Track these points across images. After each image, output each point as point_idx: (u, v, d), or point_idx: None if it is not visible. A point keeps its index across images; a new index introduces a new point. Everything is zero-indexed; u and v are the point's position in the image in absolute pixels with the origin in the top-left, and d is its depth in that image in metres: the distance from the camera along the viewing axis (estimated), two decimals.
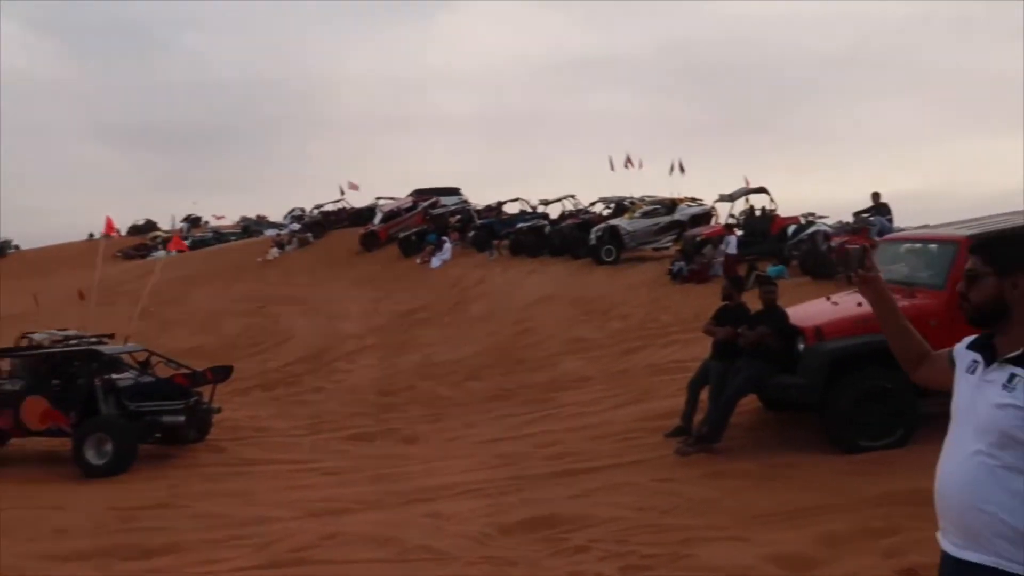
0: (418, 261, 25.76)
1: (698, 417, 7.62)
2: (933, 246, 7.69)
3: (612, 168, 28.91)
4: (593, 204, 26.23)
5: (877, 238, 14.42)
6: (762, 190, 19.73)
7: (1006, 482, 1.99)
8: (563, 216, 26.23)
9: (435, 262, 25.00)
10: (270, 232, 40.94)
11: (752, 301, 8.09)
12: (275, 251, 32.88)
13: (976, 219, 8.15)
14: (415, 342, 16.46)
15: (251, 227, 47.52)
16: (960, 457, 2.10)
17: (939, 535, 2.17)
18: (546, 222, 25.34)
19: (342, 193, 36.22)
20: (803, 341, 7.09)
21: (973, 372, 2.15)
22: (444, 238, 26.15)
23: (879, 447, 6.58)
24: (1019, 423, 1.98)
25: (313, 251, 31.82)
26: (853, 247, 2.78)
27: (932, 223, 10.17)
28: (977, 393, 2.11)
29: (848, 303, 7.67)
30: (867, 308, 7.21)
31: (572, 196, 27.11)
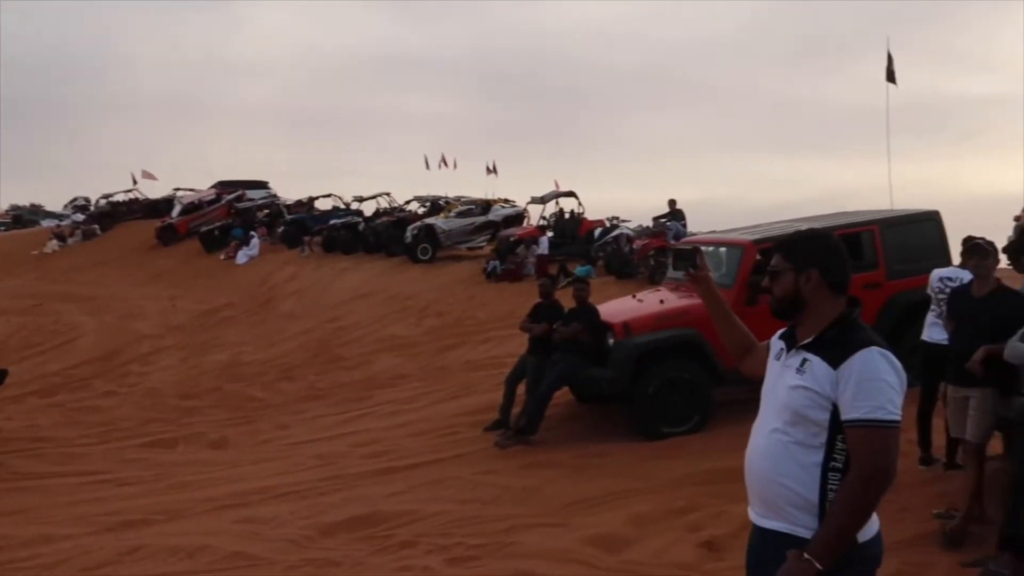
0: (222, 257, 24.39)
1: (515, 411, 7.86)
2: (723, 249, 8.42)
3: (427, 167, 29.10)
4: (408, 203, 26.19)
5: (673, 241, 15.61)
6: (571, 194, 20.67)
7: (798, 457, 2.19)
8: (378, 213, 25.97)
9: (241, 258, 23.79)
10: (48, 223, 37.05)
11: (565, 299, 8.48)
12: (54, 243, 29.75)
13: (758, 225, 9.07)
14: (220, 342, 15.56)
15: (24, 217, 42.73)
16: (762, 435, 2.32)
17: (749, 507, 2.38)
18: (360, 219, 24.95)
19: (135, 182, 33.53)
20: (613, 336, 7.53)
21: (779, 359, 2.35)
22: (251, 233, 24.95)
23: (679, 433, 7.14)
24: (808, 403, 2.17)
25: (101, 245, 29.14)
26: (685, 248, 3.07)
27: (720, 228, 11.21)
28: (779, 377, 2.31)
29: (652, 300, 8.24)
30: (669, 305, 7.89)
31: (387, 194, 26.91)
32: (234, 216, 27.13)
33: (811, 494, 2.17)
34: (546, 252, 17.75)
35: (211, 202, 28.17)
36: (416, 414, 9.18)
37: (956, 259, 6.45)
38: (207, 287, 21.05)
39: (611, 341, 7.52)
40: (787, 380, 2.27)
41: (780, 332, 2.43)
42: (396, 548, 5.04)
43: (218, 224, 26.48)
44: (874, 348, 2.14)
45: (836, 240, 2.39)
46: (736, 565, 4.34)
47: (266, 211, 27.52)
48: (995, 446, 5.00)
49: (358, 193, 27.40)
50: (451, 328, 14.03)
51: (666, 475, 6.05)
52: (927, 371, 5.64)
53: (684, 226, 17.30)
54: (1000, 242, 5.42)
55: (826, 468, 2.17)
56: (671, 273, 8.88)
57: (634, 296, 8.78)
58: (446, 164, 29.04)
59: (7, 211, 45.36)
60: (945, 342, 5.15)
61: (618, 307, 8.40)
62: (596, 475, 6.30)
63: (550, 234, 19.43)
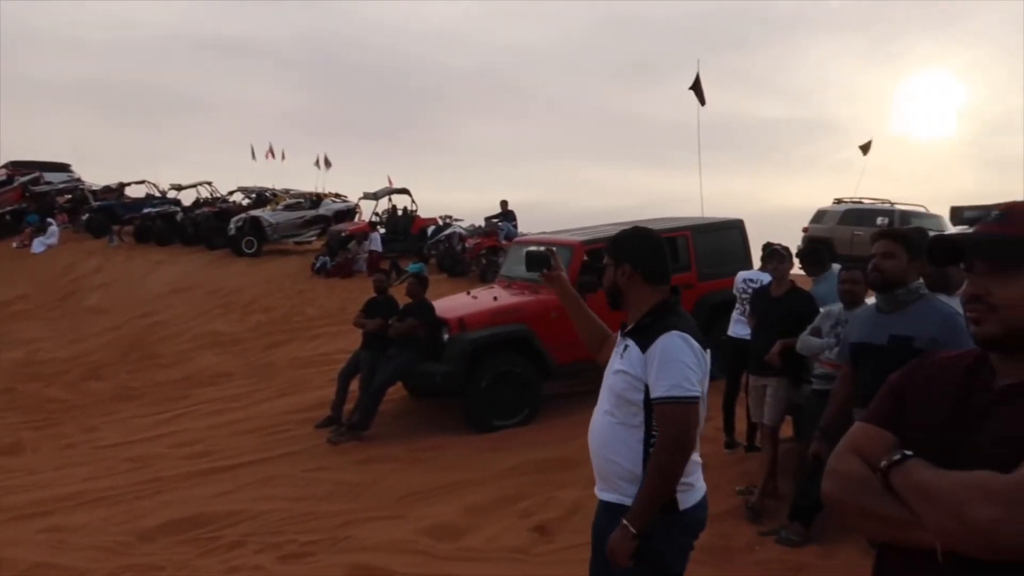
0: (14, 245, 22.09)
1: (348, 407, 7.79)
2: (554, 249, 8.79)
3: (253, 157, 27.87)
4: (232, 193, 24.97)
5: (505, 241, 16.02)
6: (404, 191, 20.60)
7: (623, 435, 2.39)
8: (198, 203, 24.54)
9: (37, 247, 21.65)
10: None
11: (399, 296, 8.50)
12: None
13: (587, 228, 9.56)
14: (12, 338, 14.10)
15: None
16: (597, 416, 2.51)
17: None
18: (178, 208, 23.48)
19: None
20: (448, 332, 7.65)
21: (617, 346, 2.54)
22: (49, 220, 22.76)
23: (510, 425, 7.39)
24: (626, 385, 2.36)
25: None
26: (539, 250, 3.23)
27: (549, 229, 11.66)
28: (611, 362, 2.50)
29: (486, 297, 8.46)
30: (502, 302, 8.13)
31: (208, 183, 25.49)
32: (29, 200, 24.62)
33: (636, 468, 2.37)
34: (379, 248, 17.59)
35: (1, 184, 25.36)
36: (242, 412, 8.82)
37: (757, 263, 7.18)
38: None
39: (446, 336, 7.64)
40: (613, 365, 2.46)
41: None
42: (224, 549, 4.86)
43: (9, 208, 23.96)
44: (674, 332, 2.32)
45: (651, 237, 2.54)
46: (565, 546, 4.62)
47: (68, 196, 25.20)
48: (786, 429, 5.62)
49: (176, 181, 25.74)
50: (278, 324, 13.57)
51: (498, 466, 6.25)
52: (731, 364, 6.23)
53: (515, 226, 17.78)
54: (794, 249, 6.10)
55: (647, 444, 2.36)
56: (508, 271, 9.14)
57: (468, 293, 8.96)
58: (273, 155, 27.96)
59: None
60: (748, 337, 5.71)
61: (453, 303, 8.54)
62: (430, 468, 6.39)
63: (382, 230, 19.28)
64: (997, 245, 1.29)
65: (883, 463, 1.29)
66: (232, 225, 20.15)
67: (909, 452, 1.29)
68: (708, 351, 2.46)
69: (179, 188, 25.58)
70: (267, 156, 27.89)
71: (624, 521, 2.31)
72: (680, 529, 2.40)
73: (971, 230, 1.43)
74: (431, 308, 7.83)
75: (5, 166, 26.64)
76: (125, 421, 9.27)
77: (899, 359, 2.99)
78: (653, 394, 2.30)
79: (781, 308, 5.17)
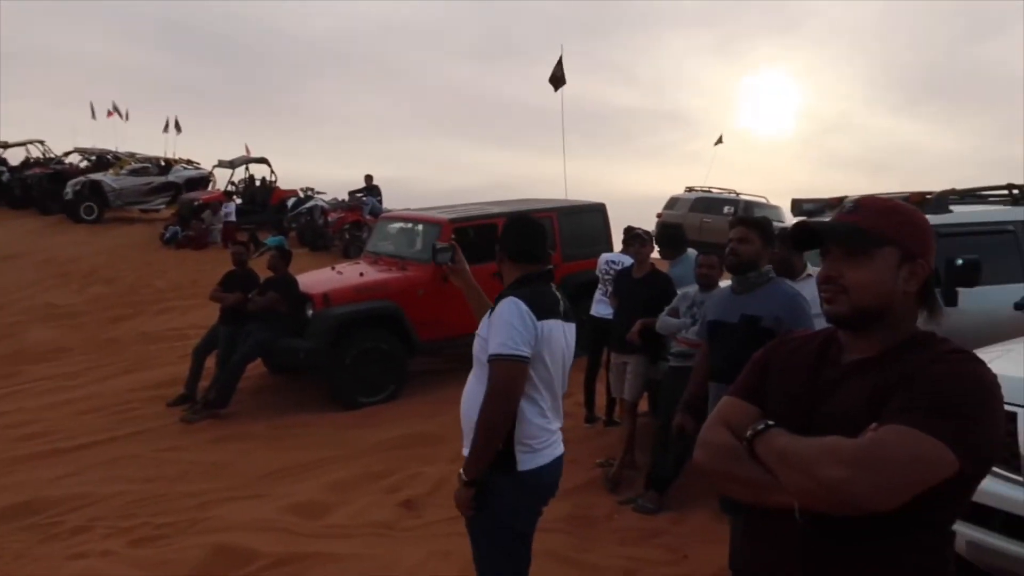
0: None
1: (204, 384, 7.45)
2: (421, 226, 8.76)
3: (94, 116, 25.69)
4: (68, 154, 23.04)
5: (370, 217, 15.75)
6: (263, 160, 19.77)
7: (478, 394, 2.49)
8: (27, 163, 22.44)
9: None
10: None
11: (259, 269, 8.19)
12: None
13: (455, 206, 9.57)
14: None
15: None
16: (469, 380, 2.62)
17: None
18: (4, 169, 21.37)
19: None
20: (312, 307, 7.47)
21: None
22: None
23: (375, 402, 7.33)
24: (480, 348, 2.52)
25: None
26: (443, 245, 3.23)
27: (415, 206, 11.57)
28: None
29: (351, 273, 8.31)
30: (368, 278, 8.02)
31: (41, 142, 23.36)
32: None
33: None
34: (233, 219, 16.83)
35: None
36: (82, 391, 8.22)
37: (617, 246, 7.48)
38: None
39: (310, 312, 7.45)
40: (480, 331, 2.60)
41: None
42: (67, 535, 4.55)
43: None
44: (510, 298, 2.49)
45: (519, 222, 2.72)
46: (431, 521, 4.67)
47: None
48: (643, 404, 5.93)
49: (2, 138, 23.38)
50: (123, 297, 12.70)
51: (363, 442, 6.20)
52: (593, 342, 6.47)
53: (380, 202, 17.51)
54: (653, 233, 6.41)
55: None
56: (374, 247, 9.02)
57: (333, 268, 8.77)
58: (118, 114, 25.94)
59: None
60: (609, 316, 5.95)
61: (317, 278, 8.33)
62: (293, 446, 6.24)
63: (238, 201, 18.44)
64: (850, 233, 1.43)
65: (748, 433, 1.42)
66: (69, 189, 18.64)
67: (771, 422, 1.42)
68: (573, 325, 2.66)
69: (5, 146, 23.27)
70: (109, 115, 25.86)
71: (460, 471, 2.48)
72: (522, 489, 2.52)
73: (828, 219, 1.58)
74: (294, 282, 7.61)
75: None
76: None
77: (749, 336, 3.29)
78: (488, 352, 2.46)
79: (642, 289, 5.42)
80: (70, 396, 8.10)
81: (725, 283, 3.94)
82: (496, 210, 8.88)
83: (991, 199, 6.04)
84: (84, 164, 22.09)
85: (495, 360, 2.42)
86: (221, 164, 19.84)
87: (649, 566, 4.04)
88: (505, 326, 2.43)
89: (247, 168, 19.92)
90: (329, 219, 16.62)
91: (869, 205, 1.46)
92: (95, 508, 4.94)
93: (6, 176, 20.62)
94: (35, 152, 23.15)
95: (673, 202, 19.20)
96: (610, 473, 5.22)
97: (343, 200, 17.86)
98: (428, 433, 6.46)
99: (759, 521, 1.46)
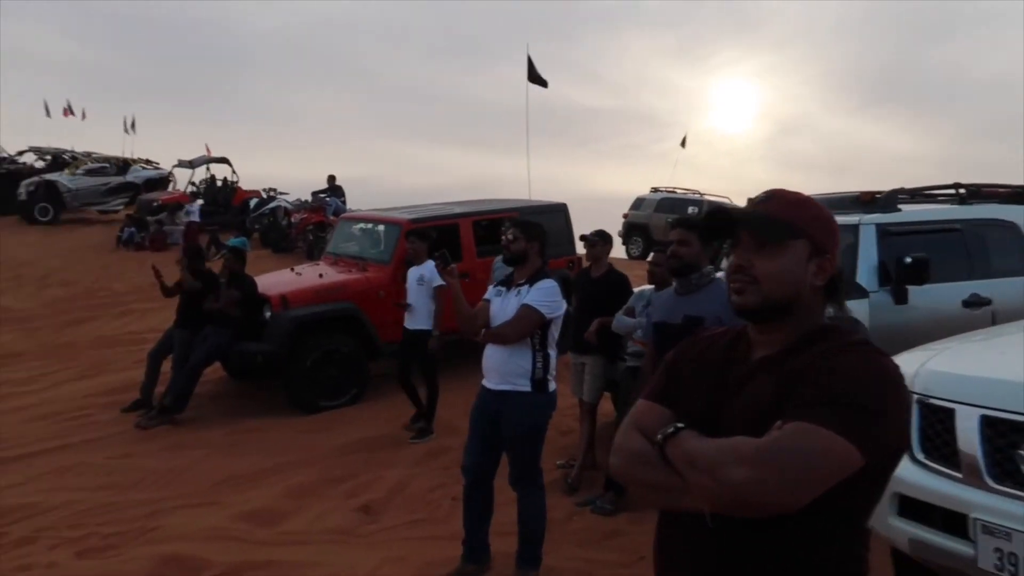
0: None
1: (160, 389, 7.31)
2: (381, 227, 8.69)
3: (48, 115, 25.19)
4: (22, 153, 22.47)
5: (332, 217, 15.61)
6: (224, 160, 19.51)
7: (520, 347, 3.71)
8: None
9: None
10: None
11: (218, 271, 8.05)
12: None
13: (415, 206, 9.51)
14: None
15: None
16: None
17: (484, 379, 3.83)
18: None
19: None
20: (270, 309, 7.36)
21: (500, 295, 3.83)
22: None
23: (336, 406, 7.24)
24: (502, 309, 3.76)
25: None
26: (442, 252, 3.24)
27: (378, 206, 11.47)
28: (503, 304, 3.76)
29: (311, 274, 8.22)
30: (328, 279, 7.93)
31: None
32: None
33: (528, 364, 3.71)
34: (197, 220, 16.59)
35: None
36: (34, 397, 8.01)
37: (579, 246, 7.49)
38: None
39: (268, 314, 7.35)
40: (510, 304, 3.72)
41: (496, 283, 3.96)
42: (11, 546, 4.41)
43: None
44: (551, 280, 3.71)
45: (541, 224, 3.96)
46: (391, 525, 4.63)
47: None
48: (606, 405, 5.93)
49: None
50: (79, 300, 12.43)
51: (322, 447, 6.12)
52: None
53: (343, 202, 17.36)
54: (615, 233, 6.42)
55: (534, 350, 3.70)
56: (335, 248, 8.94)
57: (292, 269, 8.66)
58: (72, 113, 25.39)
59: None
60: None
61: (276, 280, 8.22)
62: (249, 451, 6.13)
63: (200, 201, 18.16)
64: (767, 222, 1.41)
65: (659, 436, 1.38)
66: (23, 189, 18.20)
67: (681, 424, 1.38)
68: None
69: None
70: (65, 114, 25.31)
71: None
72: (550, 402, 3.80)
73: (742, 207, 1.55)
74: (253, 284, 7.49)
75: None
76: None
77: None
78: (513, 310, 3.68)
79: (600, 289, 5.42)
80: (22, 403, 7.88)
81: None
82: (458, 210, 8.84)
83: (939, 198, 6.15)
84: (39, 164, 21.59)
85: (526, 306, 3.63)
86: (181, 164, 19.53)
87: (605, 568, 4.04)
88: (546, 292, 3.65)
89: (208, 168, 19.64)
90: (292, 220, 16.45)
91: (782, 197, 1.45)
92: (42, 518, 4.80)
93: None
94: None
95: (639, 202, 19.31)
96: (570, 476, 5.22)
97: (306, 201, 17.68)
98: (389, 436, 6.40)
99: (672, 528, 1.44)
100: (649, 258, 4.77)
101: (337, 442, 6.23)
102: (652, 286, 4.84)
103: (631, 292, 5.23)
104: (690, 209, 17.67)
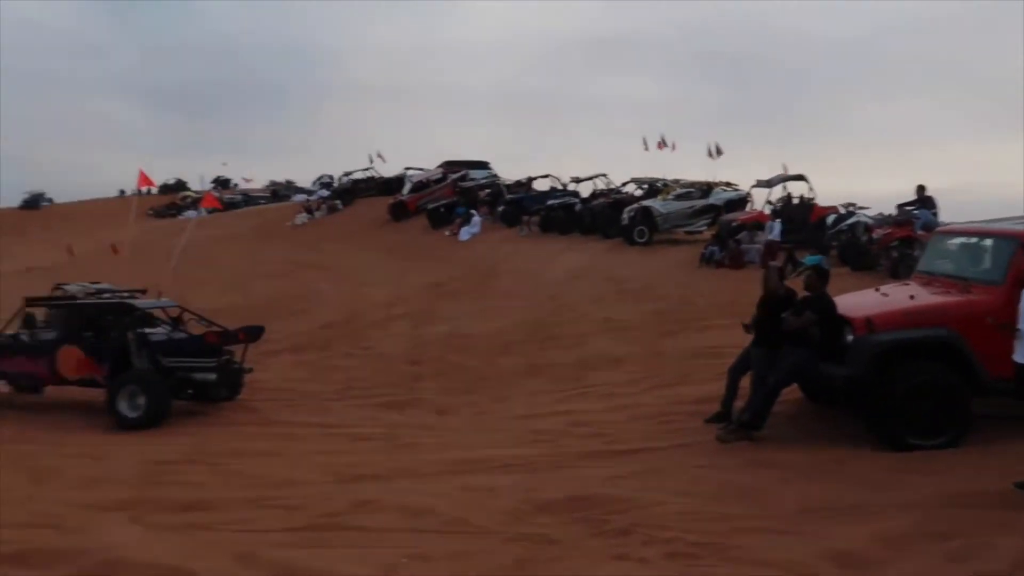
0: (447, 233, 25.63)
1: (738, 404, 7.46)
2: (989, 241, 7.41)
3: (646, 149, 28.59)
4: (625, 184, 25.93)
5: (922, 232, 14.08)
6: (801, 177, 19.34)
7: None
8: (594, 195, 25.92)
9: (464, 235, 24.86)
10: (299, 198, 41.03)
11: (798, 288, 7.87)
12: (304, 216, 32.95)
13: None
14: (442, 313, 16.36)
15: (280, 192, 47.72)
16: None
17: None
18: (577, 200, 25.05)
19: (371, 162, 36.23)
20: (851, 331, 6.87)
21: None
22: (473, 211, 25.97)
23: (930, 446, 6.36)
24: None
25: (342, 218, 31.82)
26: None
27: (975, 219, 9.81)
28: None
29: (899, 295, 7.44)
30: (919, 301, 7.05)
31: (603, 175, 26.81)
32: (458, 195, 28.40)
33: None
34: (778, 238, 16.85)
35: (437, 181, 29.71)
36: (631, 399, 9.03)
37: None
38: (433, 261, 22.23)
39: (849, 337, 6.87)
40: None
41: None
42: (612, 535, 4.93)
43: (443, 202, 27.84)
44: None
45: None
46: None
47: (487, 191, 28.51)
48: None
49: (575, 174, 27.54)
50: (670, 314, 13.67)
51: (918, 492, 5.38)
52: None
53: (935, 215, 15.54)
54: None
55: None
56: (928, 266, 7.97)
57: (877, 289, 7.99)
58: (665, 145, 28.39)
59: (267, 186, 51.00)
60: None
61: (858, 300, 7.67)
62: (830, 479, 5.78)
63: (779, 220, 18.33)
64: None
65: None
66: (625, 215, 20.89)
67: None
68: None
69: (578, 181, 27.30)
70: (659, 147, 28.44)
71: None
72: None
73: None
74: (832, 304, 7.11)
75: (440, 166, 31.19)
76: (529, 396, 10.13)
77: None
78: None
79: None
80: (621, 402, 8.97)
81: None
82: None
83: None
84: (638, 192, 24.60)
85: None
86: (759, 184, 20.01)
87: None
88: None
89: (784, 186, 19.72)
90: (874, 236, 15.39)
91: None
92: (636, 513, 5.26)
93: (578, 206, 24.13)
94: (600, 184, 26.68)
95: None
96: None
97: (890, 215, 16.35)
98: (999, 492, 5.32)
99: None
100: None
101: (937, 489, 5.40)
102: None
103: None
104: None
